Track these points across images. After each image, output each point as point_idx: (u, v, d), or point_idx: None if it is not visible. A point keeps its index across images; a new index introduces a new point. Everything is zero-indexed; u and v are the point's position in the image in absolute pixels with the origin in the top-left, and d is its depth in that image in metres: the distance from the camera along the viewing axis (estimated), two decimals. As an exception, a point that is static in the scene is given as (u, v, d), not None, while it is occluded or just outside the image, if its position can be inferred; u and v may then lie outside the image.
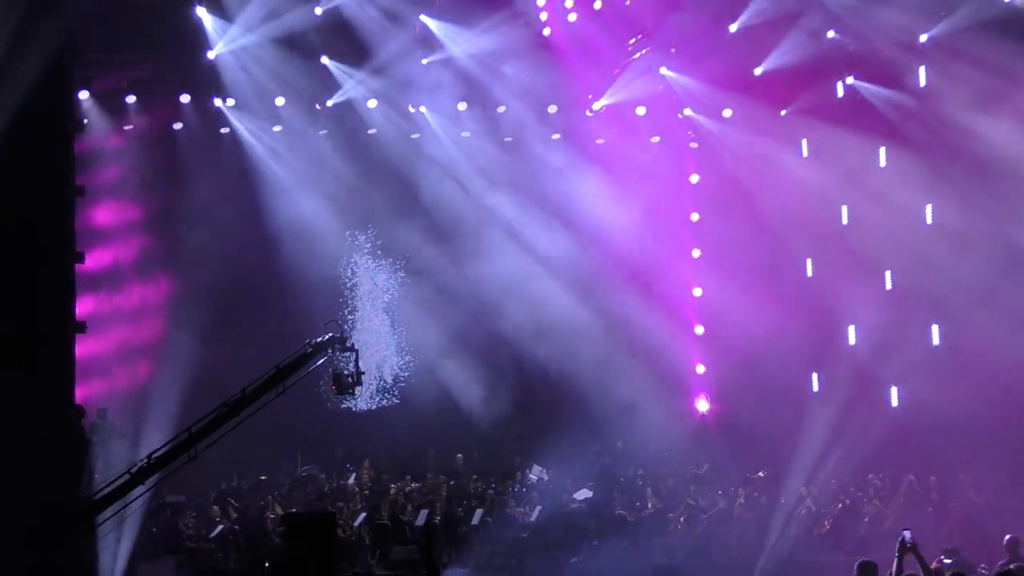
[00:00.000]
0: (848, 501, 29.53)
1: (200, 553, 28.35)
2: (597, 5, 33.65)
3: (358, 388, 24.92)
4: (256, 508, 30.07)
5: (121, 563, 23.76)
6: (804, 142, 34.43)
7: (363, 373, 25.08)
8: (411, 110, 35.18)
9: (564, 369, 34.46)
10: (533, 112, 35.39)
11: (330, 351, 24.89)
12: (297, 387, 24.62)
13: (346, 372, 24.86)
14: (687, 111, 35.65)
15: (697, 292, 36.74)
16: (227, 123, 34.82)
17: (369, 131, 35.60)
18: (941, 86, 30.25)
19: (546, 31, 33.74)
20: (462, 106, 35.25)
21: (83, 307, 23.90)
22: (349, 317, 36.12)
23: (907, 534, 14.86)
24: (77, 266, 22.71)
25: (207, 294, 32.96)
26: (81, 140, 25.15)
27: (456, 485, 32.18)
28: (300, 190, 34.83)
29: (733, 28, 32.57)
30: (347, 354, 25.39)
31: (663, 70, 34.27)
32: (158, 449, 23.73)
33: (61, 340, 22.24)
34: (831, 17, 31.64)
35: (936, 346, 31.30)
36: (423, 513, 29.53)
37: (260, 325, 33.68)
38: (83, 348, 24.16)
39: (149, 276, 33.91)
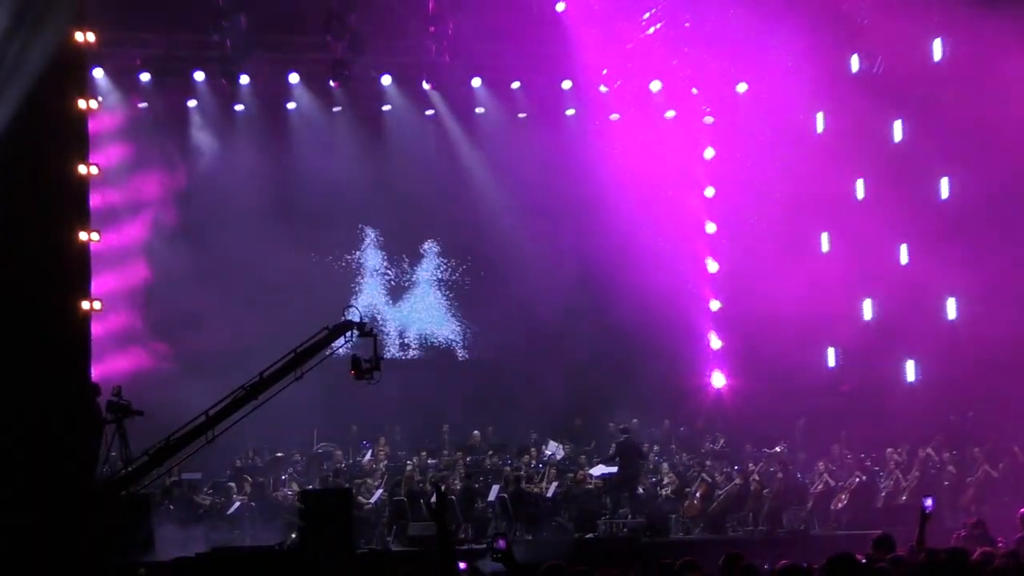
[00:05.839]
0: (864, 476, 29.49)
1: (217, 529, 28.38)
2: (610, -21, 33.60)
3: (376, 373, 24.84)
4: (272, 485, 30.21)
5: (139, 540, 23.76)
6: (819, 115, 34.35)
7: (381, 358, 25.04)
8: (425, 87, 35.14)
9: (579, 344, 34.52)
10: (547, 88, 35.37)
11: (348, 335, 24.89)
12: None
13: (364, 357, 24.83)
14: (701, 86, 35.56)
15: (712, 267, 36.73)
16: (242, 100, 34.84)
17: (383, 108, 35.65)
18: (956, 58, 30.10)
19: (560, 6, 33.61)
20: (476, 82, 35.27)
21: (98, 286, 23.87)
22: (363, 295, 36.38)
23: (928, 502, 14.63)
24: (92, 244, 22.74)
25: (220, 271, 32.99)
26: (95, 117, 25.12)
27: (472, 461, 32.18)
28: (315, 166, 34.87)
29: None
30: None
31: (677, 45, 34.14)
32: (176, 431, 23.78)
33: (76, 318, 22.28)
34: (846, -12, 31.60)
35: (952, 320, 31.20)
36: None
37: (276, 303, 33.69)
38: (98, 327, 24.21)
39: (163, 253, 33.87)
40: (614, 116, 35.91)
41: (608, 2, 33.32)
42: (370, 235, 37.28)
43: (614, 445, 30.54)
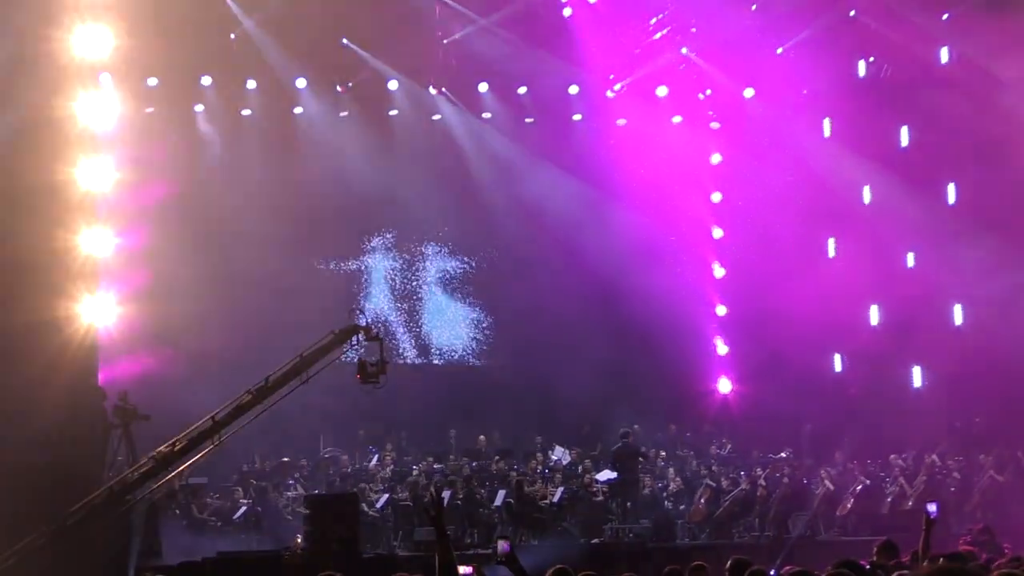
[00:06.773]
0: (868, 482, 29.44)
1: (223, 534, 28.40)
2: (617, -16, 33.63)
3: (382, 377, 24.82)
4: (277, 489, 30.21)
5: (145, 545, 23.80)
6: (826, 121, 34.34)
7: (387, 362, 25.02)
8: (432, 91, 35.16)
9: (586, 348, 34.50)
10: (554, 93, 35.37)
11: (354, 340, 24.88)
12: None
13: (370, 361, 24.81)
14: (708, 91, 35.56)
15: (719, 272, 36.70)
16: (249, 105, 34.88)
17: (391, 112, 35.68)
18: (963, 63, 30.08)
19: (567, 11, 33.64)
20: (483, 87, 35.31)
21: (104, 290, 23.91)
22: (370, 300, 36.45)
23: (932, 508, 14.45)
24: (98, 249, 22.79)
25: (226, 275, 32.99)
26: (102, 122, 25.13)
27: (478, 466, 32.17)
28: (322, 171, 34.88)
29: (754, 7, 32.45)
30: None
31: (684, 50, 34.17)
32: (182, 436, 23.78)
33: (82, 323, 22.31)
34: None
35: (959, 325, 31.17)
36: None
37: (283, 307, 33.72)
38: (104, 331, 24.22)
39: (169, 257, 33.85)
40: (621, 121, 35.90)
41: (615, 7, 33.34)
42: (377, 240, 37.33)
43: (612, 450, 30.56)
